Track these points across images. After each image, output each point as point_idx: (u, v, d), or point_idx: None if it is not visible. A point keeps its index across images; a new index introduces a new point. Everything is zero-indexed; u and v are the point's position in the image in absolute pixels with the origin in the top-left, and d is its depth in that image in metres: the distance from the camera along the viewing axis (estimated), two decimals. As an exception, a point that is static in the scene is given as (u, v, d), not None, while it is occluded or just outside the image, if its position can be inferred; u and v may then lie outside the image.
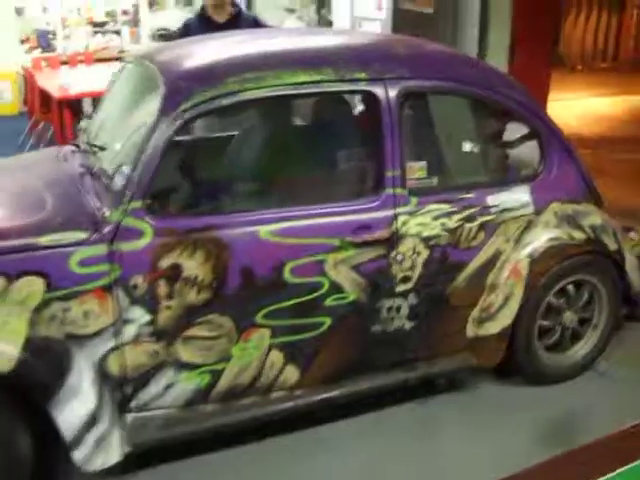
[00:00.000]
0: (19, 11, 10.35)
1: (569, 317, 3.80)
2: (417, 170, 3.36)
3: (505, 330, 3.60)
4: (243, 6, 10.54)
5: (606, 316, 3.90)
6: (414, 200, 3.32)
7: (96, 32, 10.71)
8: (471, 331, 3.61)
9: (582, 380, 3.89)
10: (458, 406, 3.70)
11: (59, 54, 9.83)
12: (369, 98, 3.28)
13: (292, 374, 3.28)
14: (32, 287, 2.82)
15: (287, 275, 3.11)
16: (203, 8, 5.26)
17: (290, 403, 3.31)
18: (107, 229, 2.88)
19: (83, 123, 4.11)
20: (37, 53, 10.24)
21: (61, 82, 7.83)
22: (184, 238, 2.94)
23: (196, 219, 3.02)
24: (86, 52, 10.03)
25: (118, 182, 2.95)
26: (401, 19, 6.84)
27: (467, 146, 3.86)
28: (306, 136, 3.91)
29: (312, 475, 3.25)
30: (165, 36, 10.71)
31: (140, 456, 3.11)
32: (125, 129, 3.37)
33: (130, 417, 3.06)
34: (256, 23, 5.36)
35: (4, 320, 2.75)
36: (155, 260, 2.92)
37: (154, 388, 3.07)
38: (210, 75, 3.12)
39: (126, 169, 2.95)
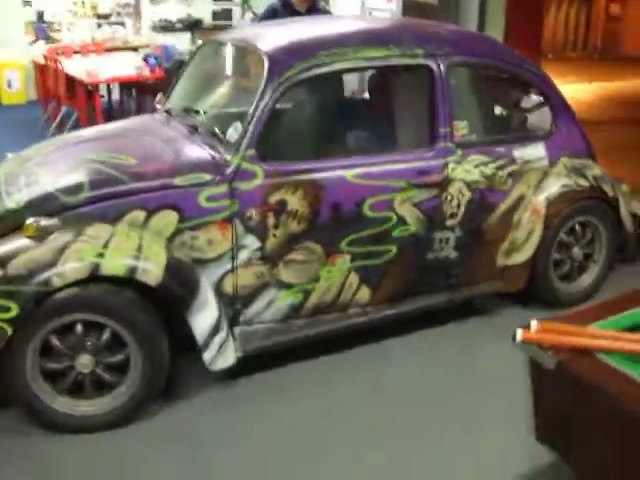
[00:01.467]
0: (26, 2, 10.76)
1: (576, 252, 4.62)
2: (461, 128, 4.12)
3: (528, 260, 4.39)
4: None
5: (605, 253, 4.74)
6: (459, 152, 4.07)
7: (100, 24, 11.18)
8: (501, 261, 4.40)
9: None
10: (490, 324, 4.48)
11: (69, 44, 10.27)
12: (425, 70, 4.00)
13: (365, 293, 4.00)
14: (168, 219, 3.48)
15: (366, 210, 3.82)
16: None
17: (363, 318, 4.04)
18: (228, 171, 3.55)
19: (159, 97, 4.79)
20: (41, 44, 10.66)
21: (88, 68, 8.25)
22: (288, 179, 3.64)
23: (297, 164, 3.70)
24: (95, 42, 10.57)
25: (234, 135, 3.63)
26: (409, 9, 7.58)
27: (497, 110, 4.66)
28: (378, 101, 4.66)
29: (378, 380, 3.93)
30: (166, 27, 11.23)
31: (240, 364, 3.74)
32: (222, 96, 4.07)
33: (238, 329, 3.72)
34: (327, 14, 6.25)
35: (148, 245, 3.39)
36: (265, 196, 3.60)
37: (258, 305, 3.74)
38: (305, 50, 3.82)
39: (240, 125, 3.63)
